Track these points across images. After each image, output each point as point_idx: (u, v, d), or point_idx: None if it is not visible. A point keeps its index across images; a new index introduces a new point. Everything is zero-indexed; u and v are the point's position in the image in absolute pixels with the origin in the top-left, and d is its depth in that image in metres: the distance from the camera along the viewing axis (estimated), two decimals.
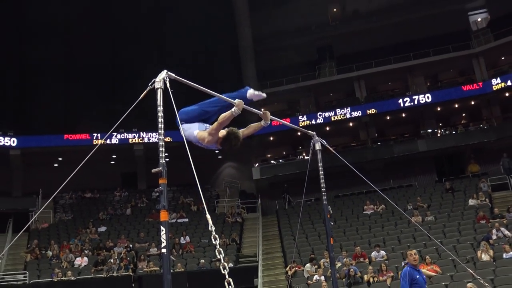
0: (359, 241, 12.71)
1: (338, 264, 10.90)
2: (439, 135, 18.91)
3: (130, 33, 21.17)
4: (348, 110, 19.10)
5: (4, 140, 17.44)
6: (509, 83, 17.58)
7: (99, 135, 18.03)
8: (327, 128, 19.53)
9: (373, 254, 11.48)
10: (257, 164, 19.58)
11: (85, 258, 12.88)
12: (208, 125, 3.48)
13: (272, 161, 19.99)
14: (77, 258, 12.91)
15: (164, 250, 2.59)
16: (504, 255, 10.14)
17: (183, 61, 19.08)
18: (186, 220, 15.76)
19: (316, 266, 11.21)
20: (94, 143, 17.47)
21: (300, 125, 18.12)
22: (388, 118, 19.92)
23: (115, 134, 18.07)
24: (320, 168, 4.74)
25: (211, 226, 2.62)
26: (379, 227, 13.65)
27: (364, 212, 14.89)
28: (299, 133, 18.15)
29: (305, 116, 19.50)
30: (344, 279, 10.36)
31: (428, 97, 18.61)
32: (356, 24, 22.01)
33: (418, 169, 18.67)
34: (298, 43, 22.36)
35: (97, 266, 12.38)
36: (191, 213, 16.38)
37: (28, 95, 19.87)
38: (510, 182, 14.67)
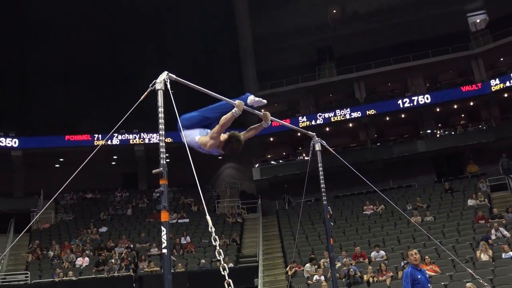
0: (358, 241, 12.76)
1: (338, 264, 10.94)
2: (438, 135, 18.98)
3: (131, 33, 21.26)
4: (347, 111, 19.18)
5: (5, 141, 17.51)
6: (508, 84, 17.65)
7: (100, 136, 18.10)
8: (327, 129, 19.59)
9: (373, 254, 11.54)
10: (257, 164, 19.65)
11: (86, 258, 12.95)
12: (209, 130, 3.48)
13: (272, 162, 20.05)
14: (78, 258, 12.99)
15: (164, 250, 2.62)
16: (503, 255, 10.20)
17: (183, 61, 19.14)
18: (187, 220, 15.82)
19: (316, 266, 11.26)
20: (95, 143, 17.53)
21: (300, 126, 18.19)
22: (387, 119, 19.99)
23: (116, 135, 18.14)
24: (320, 169, 4.77)
25: (211, 227, 2.63)
26: (379, 227, 13.71)
27: (364, 212, 14.95)
28: (299, 134, 18.21)
29: (305, 117, 19.57)
30: (344, 279, 10.40)
31: (427, 98, 18.69)
32: (356, 25, 22.08)
33: (418, 170, 18.72)
34: (298, 44, 22.44)
35: (98, 266, 12.43)
36: (191, 213, 16.45)
37: (29, 96, 19.95)
38: (509, 182, 14.73)
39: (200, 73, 18.67)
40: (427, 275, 5.16)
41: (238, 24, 22.30)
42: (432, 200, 14.96)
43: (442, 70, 20.93)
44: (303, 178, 5.71)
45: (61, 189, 3.66)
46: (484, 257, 10.24)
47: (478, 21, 22.24)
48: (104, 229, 15.32)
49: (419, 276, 4.89)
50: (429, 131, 19.33)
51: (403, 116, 19.91)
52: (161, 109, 2.87)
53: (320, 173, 4.79)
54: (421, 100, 18.67)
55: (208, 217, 2.71)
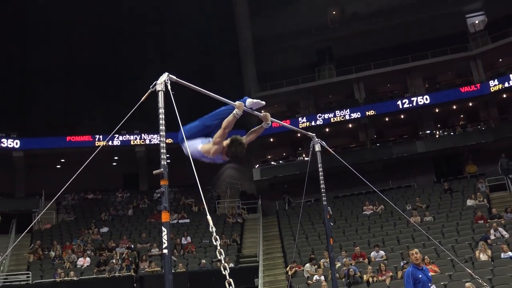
0: (358, 241, 12.81)
1: (338, 264, 10.99)
2: (437, 136, 19.05)
3: (131, 34, 21.36)
4: (347, 112, 19.26)
5: (7, 142, 17.59)
6: (506, 84, 17.73)
7: (101, 136, 18.16)
8: (327, 130, 19.66)
9: (373, 254, 11.59)
10: (258, 165, 19.71)
11: (88, 259, 13.00)
12: (210, 138, 3.44)
13: (272, 162, 20.11)
14: (80, 259, 13.04)
15: (165, 251, 2.63)
16: (502, 255, 10.25)
17: (183, 62, 19.23)
18: (187, 220, 15.88)
19: (316, 266, 11.31)
20: (96, 144, 17.59)
21: (300, 127, 18.27)
22: (387, 119, 20.06)
23: (117, 135, 18.21)
24: (319, 169, 4.80)
25: (212, 227, 2.63)
26: (378, 228, 13.76)
27: (364, 212, 15.01)
28: (299, 135, 18.27)
29: (304, 118, 19.64)
30: (343, 279, 10.45)
31: (426, 99, 18.77)
32: (355, 27, 22.17)
33: (417, 170, 18.78)
34: (298, 45, 22.52)
35: (100, 266, 12.49)
36: (192, 213, 16.51)
37: (30, 97, 20.04)
38: (508, 182, 14.77)
39: (200, 74, 18.76)
40: (430, 274, 5.15)
41: (238, 25, 22.39)
42: (432, 200, 15.02)
43: (441, 71, 21.01)
44: (303, 178, 5.73)
45: (63, 189, 3.70)
46: (483, 257, 10.29)
47: (477, 22, 22.33)
48: (105, 229, 15.38)
49: (420, 276, 4.90)
50: (428, 131, 19.41)
51: (402, 116, 19.99)
52: (161, 110, 2.89)
53: (320, 173, 4.81)
54: (420, 101, 18.75)
55: (208, 217, 2.72)
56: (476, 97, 18.72)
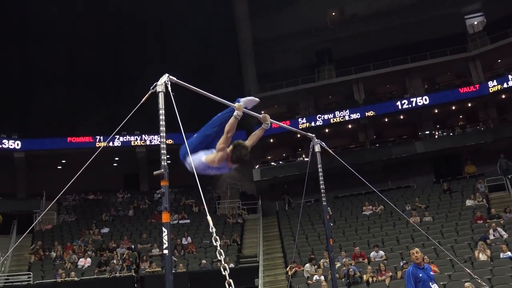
0: (358, 242, 12.85)
1: (338, 264, 11.02)
2: (436, 136, 19.12)
3: (132, 36, 21.44)
4: (347, 113, 19.33)
5: (8, 143, 17.67)
6: (505, 85, 17.81)
7: (101, 137, 18.23)
8: (326, 130, 19.73)
9: (372, 254, 11.63)
10: (258, 165, 19.77)
11: (88, 259, 13.06)
12: (213, 149, 3.38)
13: (272, 163, 20.17)
14: (81, 259, 13.10)
15: (166, 251, 2.64)
16: (501, 255, 10.30)
17: (184, 63, 19.31)
18: (188, 221, 15.94)
19: (316, 266, 11.35)
20: (97, 145, 17.66)
21: (300, 128, 18.35)
22: (386, 120, 20.13)
23: (117, 136, 18.27)
24: (319, 170, 4.83)
25: (212, 228, 2.64)
26: (378, 228, 13.81)
27: (363, 212, 15.05)
28: (298, 135, 18.33)
29: (304, 119, 19.71)
30: (343, 279, 10.49)
31: (425, 100, 18.84)
32: (355, 28, 22.26)
33: (416, 170, 18.84)
34: (297, 47, 22.61)
35: (100, 266, 12.54)
36: (192, 214, 16.57)
37: (31, 98, 20.08)
38: (507, 183, 14.80)
39: (200, 75, 18.83)
40: (431, 273, 5.10)
41: (238, 26, 22.46)
42: (431, 200, 15.07)
43: (440, 72, 21.09)
44: (303, 179, 5.77)
45: (63, 190, 3.71)
46: (482, 257, 10.33)
47: (475, 23, 22.41)
48: (106, 230, 15.44)
49: (420, 275, 4.91)
50: (427, 132, 19.48)
51: (401, 117, 20.06)
52: (162, 111, 2.91)
53: (320, 174, 4.84)
54: (420, 102, 18.82)
55: (209, 218, 2.72)
56: (475, 98, 18.79)
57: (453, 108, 19.79)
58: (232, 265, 12.42)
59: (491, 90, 18.13)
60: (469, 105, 19.58)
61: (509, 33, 18.50)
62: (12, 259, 13.73)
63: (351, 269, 10.52)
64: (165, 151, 2.83)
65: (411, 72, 20.36)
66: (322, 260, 11.57)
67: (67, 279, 11.87)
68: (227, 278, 2.52)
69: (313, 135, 4.98)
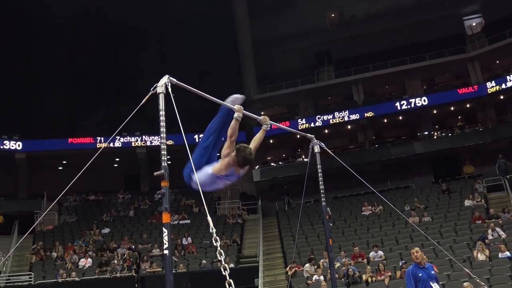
0: (357, 242, 12.90)
1: (337, 264, 11.05)
2: (435, 137, 19.18)
3: (132, 37, 21.52)
4: (346, 113, 19.41)
5: (9, 144, 17.74)
6: (503, 86, 17.89)
7: (102, 138, 18.30)
8: (326, 131, 19.81)
9: (371, 254, 11.69)
10: (257, 166, 19.84)
11: (89, 259, 13.13)
12: (215, 162, 3.33)
13: (272, 164, 20.24)
14: (81, 259, 13.17)
15: (166, 251, 2.65)
16: (500, 255, 10.35)
17: (184, 65, 19.38)
18: (188, 221, 16.00)
19: (315, 266, 11.40)
20: (97, 146, 17.72)
21: (299, 128, 18.43)
22: (385, 120, 20.21)
23: (118, 137, 18.33)
24: (319, 170, 4.87)
25: (212, 228, 2.65)
26: (377, 228, 13.86)
27: (362, 213, 15.11)
28: (298, 136, 18.39)
29: (304, 119, 19.79)
30: (343, 279, 10.53)
31: (424, 100, 18.92)
32: (354, 29, 22.35)
33: (415, 171, 18.91)
34: (297, 48, 22.69)
35: (101, 267, 12.61)
36: (192, 214, 16.63)
37: (33, 99, 20.14)
38: (505, 183, 14.85)
39: (200, 76, 18.91)
40: (433, 272, 5.07)
41: (238, 28, 22.54)
42: (430, 200, 15.12)
43: (439, 73, 21.17)
44: (302, 179, 5.79)
45: (64, 191, 3.72)
46: (481, 257, 10.38)
47: (474, 24, 22.51)
48: (106, 230, 15.50)
49: (420, 274, 4.93)
50: (426, 132, 19.55)
51: (400, 118, 20.13)
52: (162, 112, 2.91)
53: (319, 174, 4.87)
54: (419, 102, 18.90)
55: (209, 218, 2.73)
56: (473, 99, 18.87)
57: (452, 108, 19.87)
58: (232, 265, 12.48)
59: (490, 91, 18.22)
60: (468, 105, 19.66)
61: (507, 34, 18.58)
62: (13, 259, 13.80)
63: (350, 269, 10.57)
64: (165, 152, 2.84)
65: (410, 73, 20.44)
66: (321, 260, 11.62)
67: (68, 279, 11.94)
68: (227, 278, 2.52)
69: (313, 135, 5.00)
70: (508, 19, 19.35)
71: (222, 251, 2.64)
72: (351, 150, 20.25)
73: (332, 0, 22.14)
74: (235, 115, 3.32)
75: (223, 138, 3.44)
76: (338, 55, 22.46)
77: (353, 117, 19.36)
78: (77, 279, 11.99)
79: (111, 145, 18.02)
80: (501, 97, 18.75)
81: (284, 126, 5.66)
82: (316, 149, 4.94)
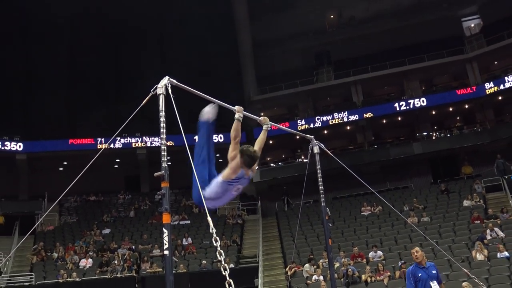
0: (356, 242, 12.95)
1: (337, 264, 11.10)
2: (434, 138, 19.27)
3: (132, 38, 21.57)
4: (345, 114, 19.50)
5: (10, 145, 17.79)
6: (502, 87, 17.99)
7: (103, 139, 18.36)
8: (325, 132, 19.89)
9: (371, 254, 11.74)
10: (257, 167, 19.89)
11: (90, 260, 13.17)
12: (219, 175, 3.28)
13: (272, 164, 20.31)
14: (82, 260, 13.21)
15: (166, 252, 2.67)
16: (498, 255, 10.41)
17: (184, 66, 19.45)
18: (188, 222, 16.05)
19: (315, 266, 11.44)
20: (98, 147, 17.77)
21: (299, 129, 18.50)
22: (384, 121, 20.30)
23: (118, 138, 18.38)
24: (318, 171, 4.91)
25: (212, 229, 2.64)
26: (376, 228, 13.92)
27: (362, 213, 15.17)
28: (297, 137, 18.49)
29: (303, 120, 19.87)
30: (342, 279, 10.59)
31: (423, 101, 19.01)
32: (353, 30, 22.44)
33: (414, 171, 18.99)
34: (296, 49, 22.78)
35: (102, 267, 12.65)
36: (192, 215, 16.68)
37: (33, 100, 20.17)
38: (504, 183, 14.91)
39: (200, 77, 18.97)
40: (434, 271, 5.03)
41: (238, 29, 22.62)
42: (429, 201, 15.18)
43: (437, 74, 21.28)
44: (302, 180, 5.81)
45: (65, 191, 3.74)
46: (479, 256, 10.43)
47: (472, 25, 22.61)
48: (107, 231, 15.55)
49: (419, 274, 4.93)
50: (425, 133, 19.65)
51: (399, 119, 20.23)
52: (162, 113, 2.92)
53: (319, 175, 4.91)
54: (417, 103, 18.99)
55: (209, 219, 2.72)
56: (472, 99, 18.96)
57: (450, 109, 19.97)
58: (232, 265, 12.53)
59: (488, 91, 18.31)
60: (466, 106, 19.76)
61: (505, 35, 18.69)
62: (14, 260, 13.84)
63: (349, 269, 10.62)
64: (165, 153, 2.84)
65: (409, 74, 20.54)
66: (321, 260, 11.67)
67: (68, 279, 11.98)
68: (227, 278, 2.53)
69: (312, 136, 5.04)
70: (506, 21, 19.47)
71: (222, 251, 2.65)
72: (350, 150, 20.35)
73: (332, 1, 22.24)
74: (236, 115, 3.34)
75: (215, 153, 3.42)
76: (337, 56, 22.56)
77: (352, 118, 19.44)
78: (77, 279, 12.04)
79: (112, 146, 18.08)
80: (500, 98, 18.85)
81: (283, 127, 5.68)
82: (316, 149, 4.97)
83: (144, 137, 18.94)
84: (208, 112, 3.44)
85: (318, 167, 4.95)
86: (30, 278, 12.39)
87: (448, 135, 19.24)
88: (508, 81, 17.82)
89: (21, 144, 17.99)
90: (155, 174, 2.78)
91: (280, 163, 20.32)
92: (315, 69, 22.04)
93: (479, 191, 14.78)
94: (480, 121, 19.45)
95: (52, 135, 18.53)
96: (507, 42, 18.51)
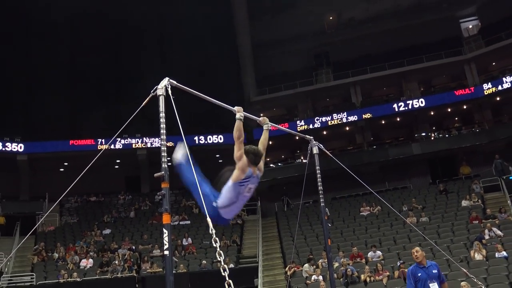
0: (356, 242, 13.01)
1: (336, 264, 11.14)
2: (432, 138, 19.36)
3: (133, 40, 21.64)
4: (344, 115, 19.59)
5: (11, 146, 17.85)
6: (499, 88, 18.10)
7: (103, 140, 18.41)
8: (324, 132, 19.97)
9: (370, 254, 11.79)
10: (264, 166, 19.91)
11: (90, 260, 13.21)
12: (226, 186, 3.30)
13: (271, 165, 20.36)
14: (83, 260, 13.25)
15: (166, 252, 2.69)
16: (497, 255, 10.48)
17: (184, 67, 19.51)
18: (188, 222, 16.11)
19: (314, 266, 11.49)
20: (98, 148, 17.82)
21: (298, 130, 18.57)
22: (383, 122, 20.39)
23: (119, 139, 18.43)
24: (317, 171, 4.96)
25: (212, 229, 2.66)
26: (375, 228, 13.99)
27: (361, 213, 15.23)
28: (297, 138, 18.56)
29: (303, 121, 19.95)
30: (341, 279, 10.63)
31: (421, 102, 19.11)
32: (352, 32, 22.54)
33: (413, 172, 19.05)
34: (296, 50, 22.88)
35: (102, 267, 12.70)
36: (192, 215, 16.74)
37: (34, 101, 20.22)
38: (502, 183, 14.98)
39: (200, 77, 19.04)
40: (435, 271, 5.00)
41: (237, 30, 22.71)
42: (427, 201, 15.25)
43: (436, 75, 21.37)
44: (301, 180, 5.82)
45: (66, 192, 3.79)
46: (478, 256, 10.49)
47: (470, 27, 22.73)
48: (107, 231, 15.60)
49: (419, 274, 4.93)
50: (423, 134, 19.74)
51: (398, 119, 20.32)
52: (162, 114, 2.93)
53: (318, 175, 4.97)
54: (416, 104, 19.09)
55: (208, 219, 2.73)
56: (470, 100, 19.06)
57: (449, 110, 20.06)
58: (232, 265, 12.58)
59: (486, 92, 18.41)
60: (465, 107, 19.85)
61: (503, 36, 18.81)
62: (15, 260, 13.87)
63: (349, 269, 10.67)
64: (165, 154, 2.84)
65: (408, 75, 20.64)
66: (320, 260, 11.71)
67: (69, 279, 12.02)
68: (227, 278, 2.53)
69: (311, 137, 5.08)
70: (504, 22, 19.58)
71: (221, 251, 2.67)
72: (349, 151, 20.42)
73: (331, 2, 22.33)
74: (237, 116, 3.38)
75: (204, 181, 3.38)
76: (336, 57, 22.66)
77: (351, 118, 19.53)
78: (78, 279, 12.08)
79: (112, 147, 18.14)
80: (497, 98, 18.95)
81: (283, 128, 5.73)
82: (315, 150, 5.01)
83: (144, 138, 19.00)
84: (177, 156, 3.41)
85: (318, 167, 5.00)
86: (31, 278, 12.43)
87: (447, 135, 19.34)
88: (506, 82, 17.93)
89: (22, 145, 18.05)
90: (155, 174, 2.80)
91: (279, 164, 20.39)
92: (314, 70, 22.14)
93: (477, 191, 14.85)
94: (478, 122, 19.54)
95: (52, 136, 18.57)
96: (505, 43, 18.62)
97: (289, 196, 17.71)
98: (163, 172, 2.79)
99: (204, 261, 12.86)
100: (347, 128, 20.49)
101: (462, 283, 7.95)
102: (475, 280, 7.21)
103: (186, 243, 14.19)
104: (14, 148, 17.90)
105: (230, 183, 3.27)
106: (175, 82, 3.10)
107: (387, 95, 22.05)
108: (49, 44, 20.35)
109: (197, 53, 21.23)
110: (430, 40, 21.13)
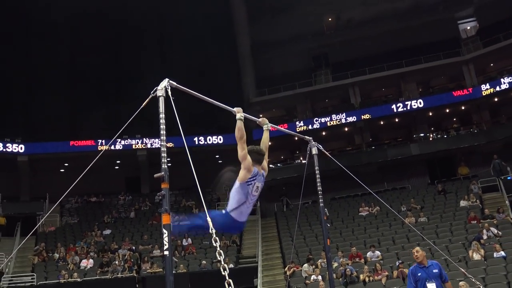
0: (355, 242, 13.05)
1: (335, 264, 11.16)
2: (431, 139, 19.45)
3: (133, 40, 21.69)
4: (343, 116, 19.67)
5: (12, 147, 17.89)
6: (498, 88, 18.20)
7: (103, 141, 18.46)
8: (323, 133, 20.06)
9: (369, 254, 11.84)
10: (267, 164, 19.95)
11: (91, 260, 13.26)
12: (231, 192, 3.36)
13: (271, 165, 20.44)
14: (83, 260, 13.30)
15: (166, 252, 2.70)
16: (495, 254, 10.52)
17: (184, 68, 19.58)
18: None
19: (313, 266, 11.53)
20: (98, 149, 17.86)
21: (297, 131, 18.65)
22: (382, 123, 20.47)
23: (119, 140, 18.48)
24: (316, 172, 5.00)
25: (211, 229, 2.68)
26: (374, 228, 14.04)
27: (360, 213, 15.29)
28: (296, 138, 18.64)
29: (302, 122, 20.03)
30: (340, 279, 10.68)
31: (420, 103, 19.20)
32: (351, 33, 22.62)
33: (411, 172, 19.13)
34: (295, 51, 22.95)
35: (102, 267, 12.75)
36: (192, 216, 16.78)
37: (35, 102, 20.26)
38: (500, 183, 15.03)
39: (200, 78, 19.11)
40: (435, 270, 4.99)
41: (237, 31, 22.78)
42: (426, 201, 15.30)
43: (434, 76, 21.47)
44: (300, 181, 5.85)
45: (66, 193, 3.80)
46: (476, 256, 10.54)
47: (468, 28, 22.83)
48: (108, 231, 15.66)
49: (419, 274, 4.95)
50: (422, 134, 19.83)
51: (397, 120, 20.41)
52: (162, 115, 2.94)
53: (317, 176, 5.00)
54: (414, 105, 19.18)
55: (208, 219, 2.74)
56: (468, 101, 19.16)
57: (447, 111, 20.16)
58: (231, 265, 12.62)
59: (484, 93, 18.51)
60: (463, 108, 19.95)
61: (501, 37, 18.91)
62: (16, 261, 13.90)
63: (348, 269, 10.72)
64: (165, 154, 2.85)
65: (406, 76, 20.73)
66: (319, 260, 11.76)
67: (69, 280, 12.06)
68: (227, 278, 2.55)
69: (310, 138, 5.12)
70: (502, 23, 19.69)
71: (221, 251, 2.68)
72: (348, 152, 20.50)
73: (330, 3, 22.42)
74: (237, 116, 3.42)
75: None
76: (335, 58, 22.73)
77: (350, 119, 19.61)
78: (78, 279, 12.12)
79: (112, 147, 18.19)
80: (495, 99, 19.05)
81: (282, 129, 5.78)
82: (314, 151, 5.05)
83: (144, 139, 19.06)
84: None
85: (317, 168, 5.03)
86: (32, 278, 12.47)
87: (445, 136, 19.44)
88: (504, 83, 18.04)
89: (22, 145, 18.09)
90: (155, 175, 2.81)
91: (279, 164, 20.45)
92: (313, 71, 22.22)
93: (475, 192, 14.91)
94: (477, 122, 19.64)
95: (53, 136, 18.62)
96: (503, 44, 18.72)
97: (288, 197, 17.77)
98: (163, 173, 2.80)
99: (204, 261, 12.91)
100: (346, 129, 20.57)
101: (461, 283, 7.95)
102: (474, 280, 7.25)
103: (186, 244, 14.24)
104: (15, 149, 17.94)
105: (237, 184, 3.30)
106: (175, 83, 3.12)
107: (386, 96, 22.14)
108: (49, 44, 20.39)
109: (197, 53, 21.28)
110: (428, 41, 21.23)
